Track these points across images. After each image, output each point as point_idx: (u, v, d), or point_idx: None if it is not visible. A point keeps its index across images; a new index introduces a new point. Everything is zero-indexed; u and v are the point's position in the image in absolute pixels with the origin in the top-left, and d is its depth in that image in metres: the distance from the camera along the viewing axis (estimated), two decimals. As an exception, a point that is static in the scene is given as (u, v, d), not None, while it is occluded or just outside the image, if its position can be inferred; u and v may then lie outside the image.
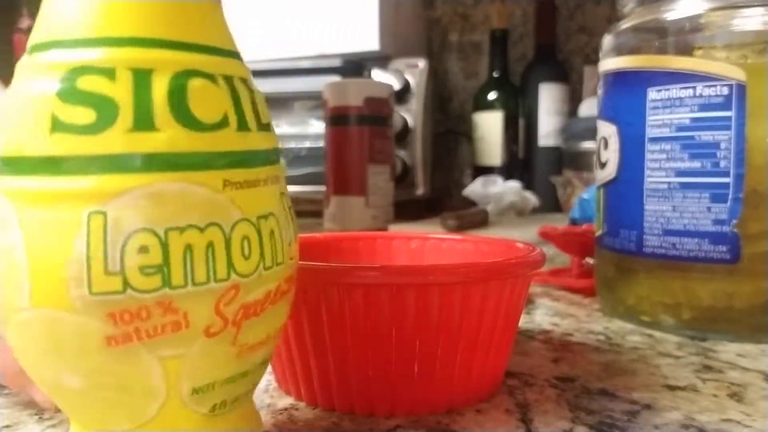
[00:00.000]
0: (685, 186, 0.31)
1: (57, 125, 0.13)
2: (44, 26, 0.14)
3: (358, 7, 0.94)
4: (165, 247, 0.13)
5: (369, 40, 0.94)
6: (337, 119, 0.69)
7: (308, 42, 0.96)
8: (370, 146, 0.69)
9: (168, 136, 0.14)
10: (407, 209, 0.86)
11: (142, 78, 0.14)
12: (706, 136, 0.30)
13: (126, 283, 0.13)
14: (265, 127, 0.16)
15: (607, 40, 0.35)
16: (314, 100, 0.88)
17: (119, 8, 0.14)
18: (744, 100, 0.29)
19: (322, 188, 0.72)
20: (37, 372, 0.15)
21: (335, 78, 0.87)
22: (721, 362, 0.27)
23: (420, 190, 0.95)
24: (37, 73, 0.14)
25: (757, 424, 0.21)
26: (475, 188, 0.96)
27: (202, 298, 0.14)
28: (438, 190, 1.08)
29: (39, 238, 0.13)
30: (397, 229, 0.70)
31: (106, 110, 0.13)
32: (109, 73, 0.13)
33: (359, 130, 0.69)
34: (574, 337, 0.31)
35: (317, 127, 0.93)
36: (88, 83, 0.13)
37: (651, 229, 0.32)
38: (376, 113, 0.70)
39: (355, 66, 0.95)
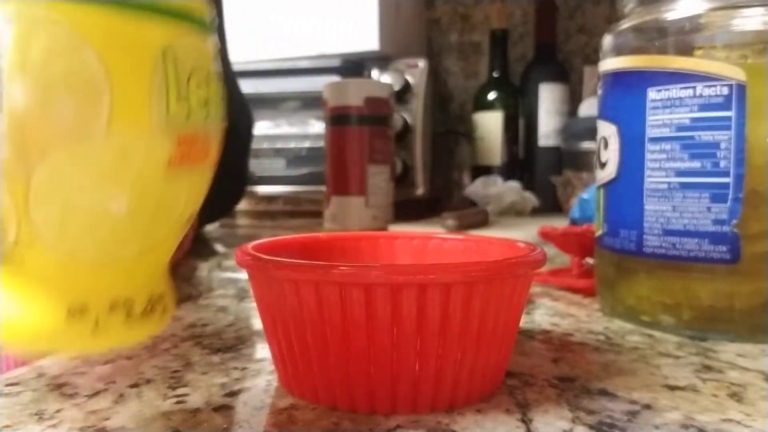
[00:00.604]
0: (685, 186, 0.31)
1: None
2: None
3: (358, 7, 0.94)
4: (208, 86, 0.16)
5: (369, 40, 0.94)
6: (337, 119, 0.69)
7: (308, 42, 0.96)
8: (370, 146, 0.69)
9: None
10: (407, 209, 0.86)
11: None
12: (706, 136, 0.30)
13: (190, 111, 0.16)
14: None
15: (607, 40, 0.35)
16: (314, 100, 0.88)
17: None
18: (744, 100, 0.29)
19: (322, 188, 0.72)
20: (76, 203, 0.15)
21: (335, 78, 0.87)
22: (721, 362, 0.27)
23: (420, 190, 0.95)
24: None
25: (757, 424, 0.21)
26: (475, 188, 0.96)
27: (216, 132, 0.17)
28: (438, 190, 1.08)
29: (121, 69, 0.14)
30: (397, 229, 0.70)
31: None
32: None
33: (359, 130, 0.69)
34: (574, 337, 0.31)
35: (317, 127, 0.93)
36: None
37: (651, 229, 0.32)
38: (376, 113, 0.70)
39: (355, 66, 0.95)
